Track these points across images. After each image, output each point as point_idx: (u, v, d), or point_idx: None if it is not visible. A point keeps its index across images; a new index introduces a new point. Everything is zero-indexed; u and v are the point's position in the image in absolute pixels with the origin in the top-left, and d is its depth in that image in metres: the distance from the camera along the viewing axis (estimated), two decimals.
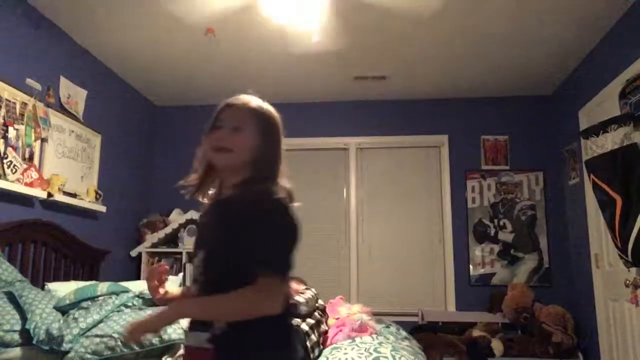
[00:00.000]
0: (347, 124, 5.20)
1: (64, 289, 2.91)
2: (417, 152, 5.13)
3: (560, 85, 4.71)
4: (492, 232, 4.86)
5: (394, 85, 4.79)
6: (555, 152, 4.76)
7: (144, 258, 4.73)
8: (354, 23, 3.55)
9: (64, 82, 3.72)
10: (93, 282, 3.01)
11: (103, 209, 4.06)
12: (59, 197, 3.45)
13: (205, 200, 1.60)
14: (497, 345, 4.09)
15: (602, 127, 3.28)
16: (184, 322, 2.57)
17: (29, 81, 3.32)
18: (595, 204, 3.40)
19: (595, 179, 3.19)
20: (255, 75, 4.56)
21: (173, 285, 3.43)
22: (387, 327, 2.95)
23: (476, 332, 4.25)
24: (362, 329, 2.69)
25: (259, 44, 3.91)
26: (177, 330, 2.49)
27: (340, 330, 2.65)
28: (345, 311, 2.99)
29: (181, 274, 3.78)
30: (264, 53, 4.08)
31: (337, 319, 2.86)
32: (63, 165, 3.68)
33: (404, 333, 3.03)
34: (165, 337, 2.42)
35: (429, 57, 4.16)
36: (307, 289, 2.90)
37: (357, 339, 2.61)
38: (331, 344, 2.57)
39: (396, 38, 3.81)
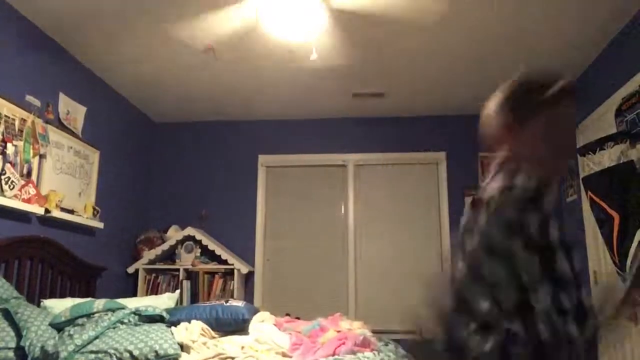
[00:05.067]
0: (345, 140, 5.22)
1: (60, 306, 2.89)
2: (415, 168, 5.15)
3: None
4: None
5: (392, 102, 4.82)
6: None
7: (141, 275, 4.70)
8: (353, 40, 3.58)
9: (63, 98, 3.74)
10: (89, 299, 2.99)
11: (100, 225, 4.05)
12: (56, 214, 3.44)
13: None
14: None
15: (598, 145, 3.31)
16: (188, 336, 2.56)
17: (29, 97, 3.34)
18: (593, 220, 3.40)
19: (593, 196, 3.20)
20: (254, 92, 4.60)
21: (171, 302, 3.41)
22: (386, 345, 2.93)
23: None
24: (364, 344, 2.69)
25: (257, 62, 3.94)
26: (173, 345, 2.47)
27: (343, 343, 2.64)
28: (346, 325, 2.98)
29: (178, 291, 3.75)
30: (263, 70, 4.11)
31: (339, 331, 2.85)
32: (61, 181, 3.68)
33: (402, 351, 3.01)
34: (161, 352, 2.40)
35: (427, 74, 4.20)
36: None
37: (359, 354, 2.61)
38: (334, 354, 2.56)
39: (394, 55, 3.85)
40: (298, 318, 3.81)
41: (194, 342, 2.56)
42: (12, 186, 3.04)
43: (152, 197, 5.26)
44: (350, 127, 5.24)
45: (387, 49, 3.74)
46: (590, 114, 3.87)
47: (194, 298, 4.59)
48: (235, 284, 4.64)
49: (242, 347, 2.61)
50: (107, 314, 2.65)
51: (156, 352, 2.40)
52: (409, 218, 5.05)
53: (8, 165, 3.03)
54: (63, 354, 2.33)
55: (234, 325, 2.87)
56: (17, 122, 3.16)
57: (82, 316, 2.62)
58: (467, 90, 4.52)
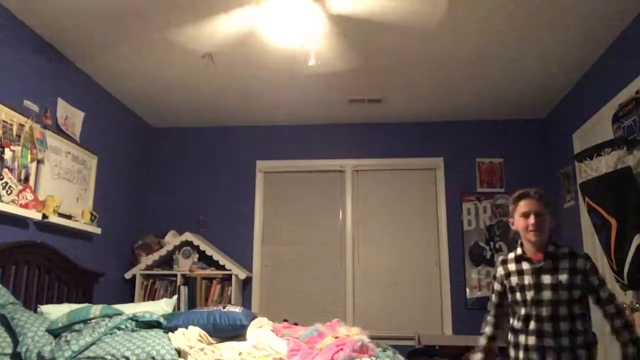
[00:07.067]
0: (343, 146, 5.23)
1: (56, 312, 2.88)
2: (412, 174, 5.16)
3: (554, 109, 4.76)
4: (488, 254, 4.85)
5: (389, 108, 4.83)
6: (550, 175, 4.78)
7: (138, 280, 4.69)
8: (350, 46, 3.59)
9: (61, 103, 3.74)
10: (86, 304, 2.98)
11: (98, 230, 4.04)
12: (53, 219, 3.44)
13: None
14: None
15: (595, 151, 3.31)
16: (187, 341, 2.55)
17: (27, 103, 3.34)
18: (591, 227, 3.41)
19: (590, 202, 3.20)
20: (252, 98, 4.60)
21: (168, 308, 3.39)
22: (384, 350, 2.91)
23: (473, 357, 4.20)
24: (362, 350, 2.67)
25: (255, 68, 3.95)
26: (170, 351, 2.46)
27: (341, 349, 2.63)
28: (344, 331, 2.97)
29: (175, 297, 3.74)
30: (261, 76, 4.12)
31: (337, 337, 2.84)
32: (59, 186, 3.67)
33: (401, 357, 2.99)
34: (158, 358, 2.39)
35: (424, 80, 4.21)
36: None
37: None
38: None
39: (391, 61, 3.86)
40: (296, 324, 3.80)
41: (191, 347, 2.55)
42: (9, 191, 3.03)
43: (149, 203, 5.25)
44: (347, 133, 5.24)
45: (385, 55, 3.75)
46: (588, 120, 3.89)
47: (192, 304, 4.58)
48: (233, 289, 4.63)
49: (240, 353, 2.60)
50: (104, 320, 2.64)
51: (153, 358, 2.39)
52: (407, 223, 5.05)
53: (6, 170, 3.03)
54: None
55: (232, 331, 2.85)
56: (15, 127, 3.16)
57: (79, 322, 2.61)
58: (464, 97, 4.54)
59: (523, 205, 2.32)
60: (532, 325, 2.27)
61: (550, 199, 2.42)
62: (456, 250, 4.90)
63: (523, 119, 5.05)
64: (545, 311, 2.24)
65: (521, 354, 2.30)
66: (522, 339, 2.31)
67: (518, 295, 2.34)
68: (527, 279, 2.31)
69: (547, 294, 2.24)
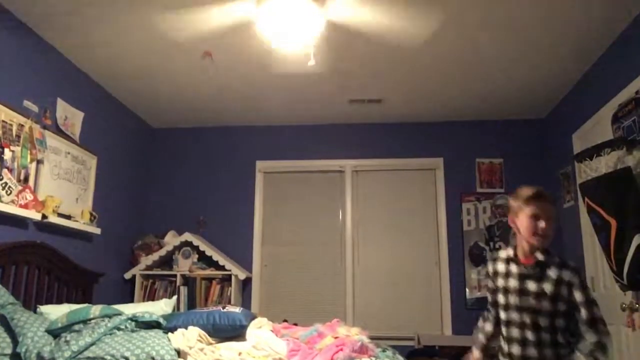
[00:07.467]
0: (343, 146, 5.23)
1: (56, 312, 2.88)
2: (412, 174, 5.16)
3: (554, 109, 4.76)
4: (488, 255, 4.85)
5: (389, 108, 4.83)
6: (550, 175, 4.78)
7: (138, 280, 4.69)
8: (350, 47, 3.59)
9: (61, 104, 3.74)
10: (86, 305, 2.98)
11: (97, 230, 4.04)
12: (53, 219, 3.44)
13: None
14: None
15: (595, 151, 3.31)
16: (189, 341, 2.55)
17: (27, 103, 3.33)
18: (591, 227, 3.40)
19: (590, 202, 3.20)
20: (252, 98, 4.60)
21: (168, 308, 3.37)
22: (384, 351, 2.91)
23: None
24: (362, 350, 2.67)
25: (255, 68, 3.95)
26: (169, 351, 2.46)
27: (341, 349, 2.63)
28: (344, 332, 2.97)
29: (175, 297, 3.74)
30: (260, 76, 4.12)
31: (336, 337, 2.84)
32: (58, 186, 3.67)
33: (400, 357, 2.99)
34: (158, 358, 2.39)
35: (424, 80, 4.21)
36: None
37: None
38: None
39: (391, 62, 3.86)
40: (295, 324, 3.80)
41: (190, 348, 2.55)
42: (9, 192, 3.03)
43: (149, 203, 5.25)
44: (347, 133, 5.24)
45: (384, 56, 3.75)
46: (588, 120, 3.89)
47: (191, 304, 4.58)
48: (233, 290, 4.63)
49: (240, 354, 2.60)
50: (103, 320, 2.64)
51: (153, 358, 2.39)
52: (407, 224, 5.05)
53: (5, 170, 3.03)
54: None
55: (232, 332, 2.85)
56: (14, 128, 3.16)
57: (78, 322, 2.61)
58: (464, 97, 4.54)
59: (535, 207, 2.20)
60: (515, 332, 2.18)
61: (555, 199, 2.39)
62: (456, 250, 4.90)
63: (523, 119, 5.05)
64: (527, 318, 2.14)
65: None
66: (506, 345, 2.22)
67: (501, 298, 2.25)
68: (513, 282, 2.21)
69: (530, 301, 2.14)
